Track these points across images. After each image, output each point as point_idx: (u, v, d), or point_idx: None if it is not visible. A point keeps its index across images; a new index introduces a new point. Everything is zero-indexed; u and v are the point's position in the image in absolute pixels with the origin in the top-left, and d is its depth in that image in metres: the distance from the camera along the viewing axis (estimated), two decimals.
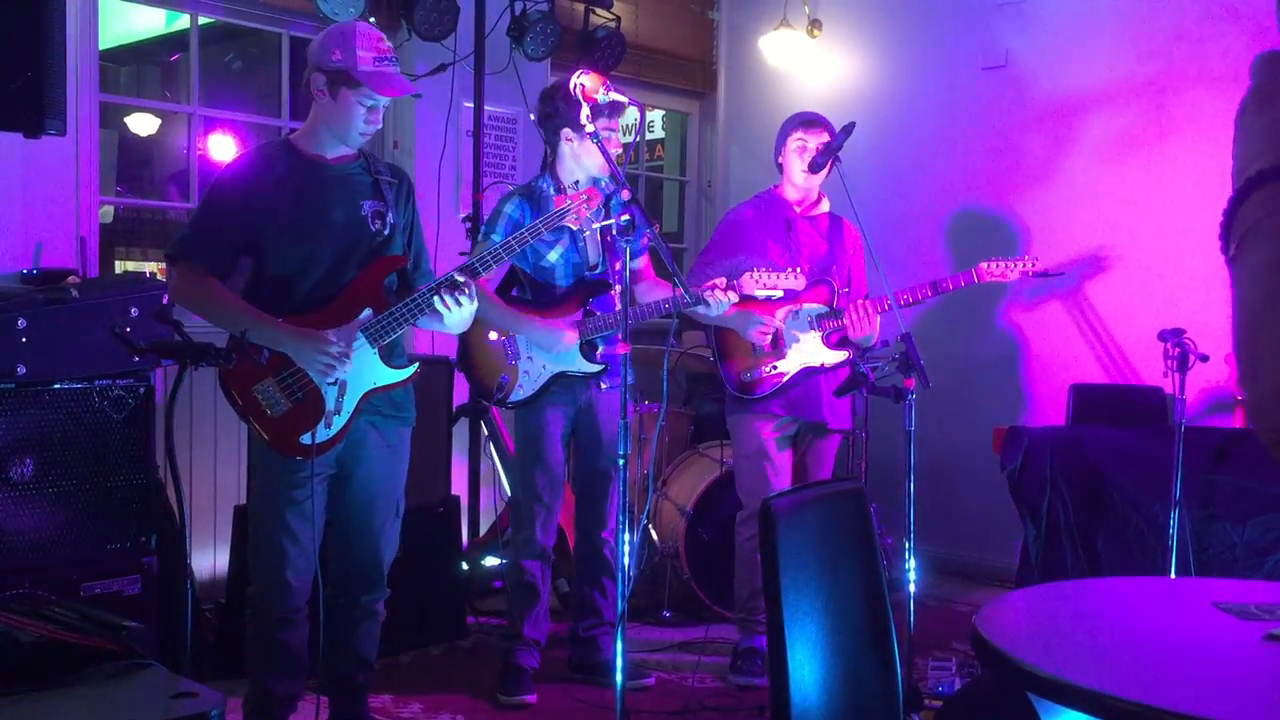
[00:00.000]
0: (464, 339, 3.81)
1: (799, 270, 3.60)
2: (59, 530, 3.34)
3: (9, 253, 4.06)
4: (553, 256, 3.77)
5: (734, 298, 3.58)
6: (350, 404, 3.00)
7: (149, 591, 3.50)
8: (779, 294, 3.69)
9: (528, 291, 3.85)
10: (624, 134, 3.95)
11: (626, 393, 3.15)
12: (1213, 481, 3.89)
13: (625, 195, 3.23)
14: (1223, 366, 4.15)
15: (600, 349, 3.77)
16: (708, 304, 3.58)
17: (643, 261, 3.96)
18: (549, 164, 3.89)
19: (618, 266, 3.86)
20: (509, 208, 3.80)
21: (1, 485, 3.23)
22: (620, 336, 3.62)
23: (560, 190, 3.79)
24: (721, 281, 3.59)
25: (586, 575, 3.99)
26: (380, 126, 3.11)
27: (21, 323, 3.25)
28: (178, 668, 2.13)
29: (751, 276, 3.56)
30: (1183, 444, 3.64)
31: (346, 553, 3.17)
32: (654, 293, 3.87)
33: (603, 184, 3.82)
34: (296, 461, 2.97)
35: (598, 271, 3.83)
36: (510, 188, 4.30)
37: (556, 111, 3.78)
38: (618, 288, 3.82)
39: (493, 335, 3.78)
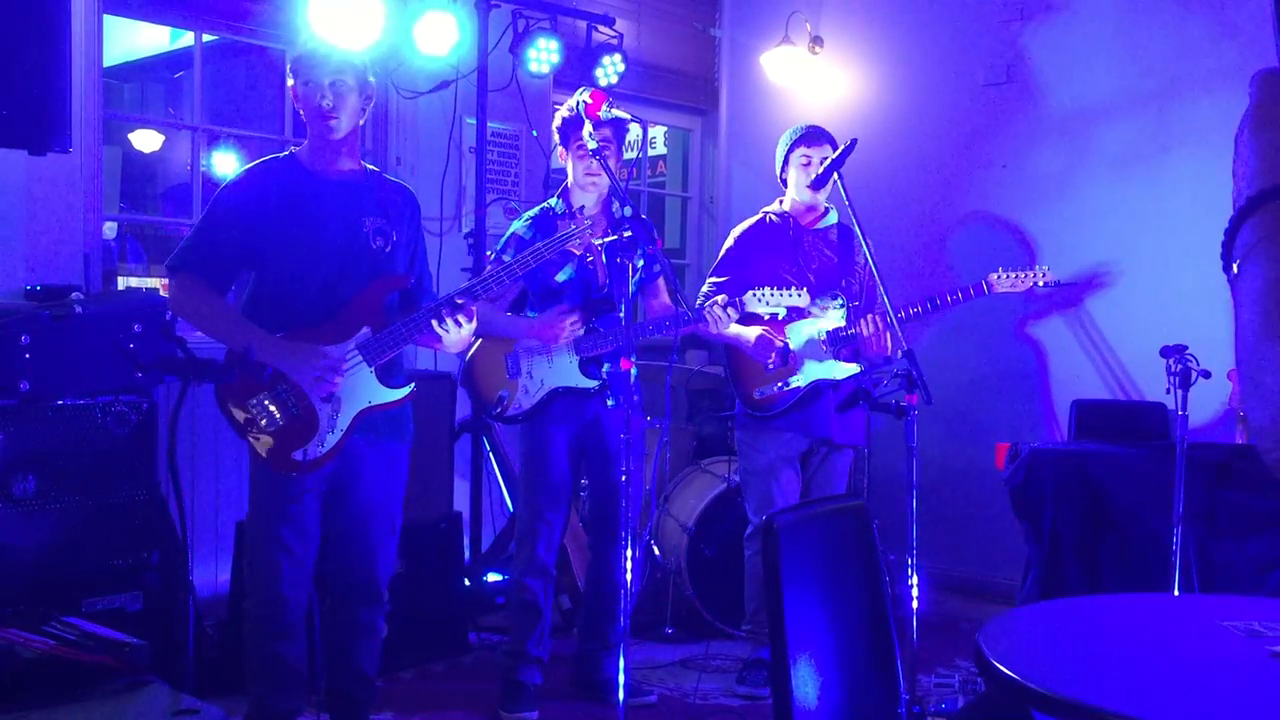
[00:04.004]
0: (468, 355, 3.83)
1: (804, 289, 3.59)
2: (61, 546, 3.33)
3: (13, 269, 4.07)
4: (561, 277, 3.77)
5: (734, 315, 3.58)
6: (344, 421, 3.00)
7: (151, 608, 3.49)
8: (782, 312, 3.68)
9: (535, 308, 3.86)
10: (628, 151, 3.96)
11: (630, 409, 3.15)
12: (1215, 498, 3.87)
13: (629, 212, 3.24)
14: (1225, 383, 4.15)
15: (606, 366, 3.77)
16: (706, 321, 3.58)
17: (656, 289, 3.96)
18: (563, 184, 3.91)
19: (629, 289, 3.86)
20: (519, 228, 3.84)
21: (4, 501, 3.23)
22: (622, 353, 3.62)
23: (570, 212, 3.79)
24: (721, 299, 3.59)
25: (597, 602, 3.97)
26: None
27: (25, 339, 3.26)
28: (180, 684, 2.13)
29: (755, 295, 3.54)
30: (1185, 460, 3.63)
31: (344, 569, 3.17)
32: (662, 314, 3.88)
33: (615, 209, 3.83)
34: (291, 476, 2.97)
35: (604, 291, 3.83)
36: (512, 204, 4.31)
37: (559, 129, 3.81)
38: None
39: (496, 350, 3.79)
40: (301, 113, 3.07)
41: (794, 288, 3.55)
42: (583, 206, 3.78)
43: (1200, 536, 3.85)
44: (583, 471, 4.00)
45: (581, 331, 3.73)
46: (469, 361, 3.85)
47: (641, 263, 3.18)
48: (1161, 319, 4.85)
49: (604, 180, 3.74)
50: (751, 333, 3.93)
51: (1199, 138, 4.84)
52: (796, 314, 3.87)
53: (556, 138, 3.86)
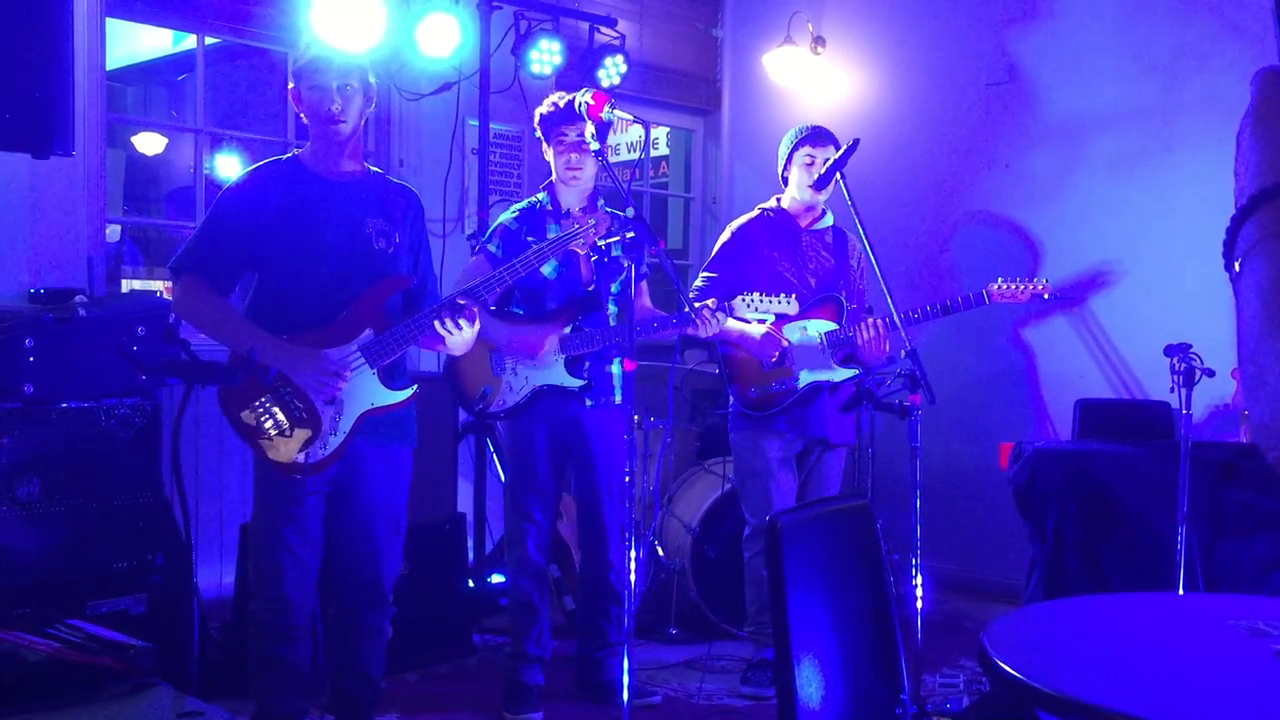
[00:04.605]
0: None
1: (793, 296, 3.55)
2: (66, 549, 3.34)
3: (16, 272, 4.08)
4: (546, 270, 3.75)
5: (723, 319, 3.55)
6: (347, 423, 3.00)
7: (155, 610, 3.50)
8: (771, 319, 3.66)
9: (521, 305, 3.84)
10: (630, 152, 3.96)
11: (631, 410, 3.14)
12: (1219, 497, 3.87)
13: (630, 213, 3.24)
14: (1229, 381, 4.14)
15: (587, 365, 3.75)
16: (697, 325, 3.56)
17: (640, 290, 3.95)
18: (547, 179, 3.90)
19: (612, 287, 3.85)
20: (507, 219, 3.83)
21: (9, 504, 3.23)
22: (613, 353, 3.60)
23: (557, 208, 3.79)
24: (712, 302, 3.56)
25: (593, 603, 3.97)
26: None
27: (29, 342, 3.27)
28: (184, 686, 2.13)
29: (744, 300, 3.48)
30: (1189, 459, 3.63)
31: (348, 572, 3.17)
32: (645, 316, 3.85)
33: (601, 204, 3.83)
34: (294, 479, 2.97)
35: (591, 289, 3.82)
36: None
37: (539, 124, 3.81)
38: (612, 309, 3.82)
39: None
40: (304, 116, 3.08)
41: (784, 295, 3.51)
42: (584, 207, 3.78)
43: (1204, 535, 3.84)
44: (570, 472, 4.00)
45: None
46: (453, 356, 3.82)
47: (631, 264, 3.18)
48: (1165, 318, 4.84)
49: (585, 176, 3.75)
50: (758, 329, 3.91)
51: (1201, 136, 4.84)
52: (785, 320, 3.85)
53: (539, 131, 3.85)
